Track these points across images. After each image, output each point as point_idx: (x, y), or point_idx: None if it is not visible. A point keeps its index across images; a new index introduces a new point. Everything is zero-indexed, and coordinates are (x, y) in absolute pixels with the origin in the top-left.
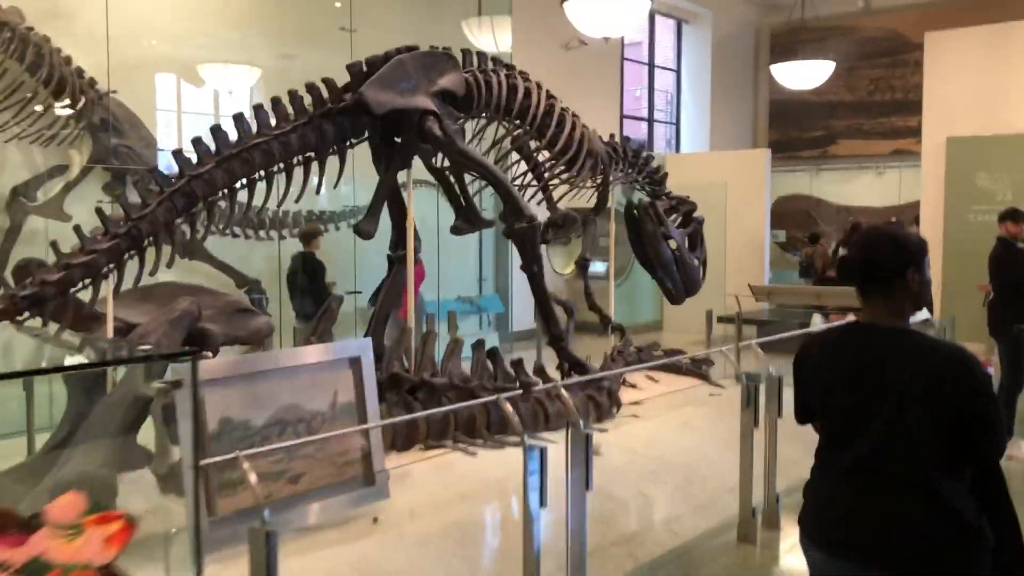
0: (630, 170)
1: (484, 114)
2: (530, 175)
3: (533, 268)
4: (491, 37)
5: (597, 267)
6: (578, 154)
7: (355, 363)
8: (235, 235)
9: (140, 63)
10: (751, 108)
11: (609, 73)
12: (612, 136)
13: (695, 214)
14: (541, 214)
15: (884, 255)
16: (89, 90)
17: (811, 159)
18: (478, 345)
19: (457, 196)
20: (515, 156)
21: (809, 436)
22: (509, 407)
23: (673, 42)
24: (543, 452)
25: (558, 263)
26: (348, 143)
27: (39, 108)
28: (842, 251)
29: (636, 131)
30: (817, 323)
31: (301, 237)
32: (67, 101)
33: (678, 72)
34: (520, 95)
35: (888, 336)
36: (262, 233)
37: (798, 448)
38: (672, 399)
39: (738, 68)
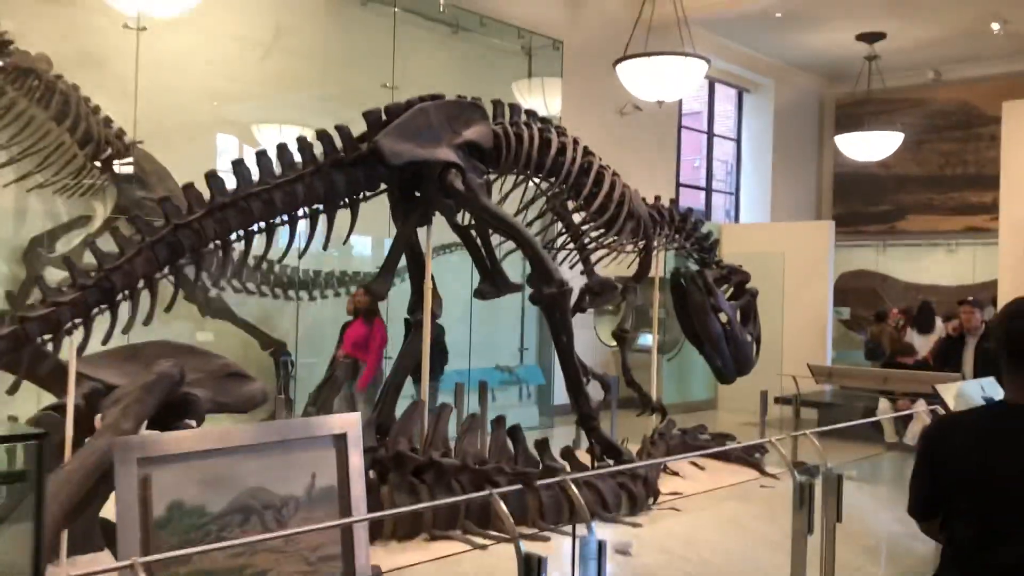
0: (676, 235)
1: (514, 169)
2: (566, 237)
3: (562, 338)
4: (541, 99)
5: (647, 340)
6: (617, 215)
7: (340, 441)
8: (262, 294)
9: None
10: (815, 180)
11: (666, 140)
12: (658, 199)
13: (748, 285)
14: (579, 281)
15: None
16: (116, 141)
17: (878, 234)
18: (498, 422)
19: (482, 257)
20: (551, 216)
21: (870, 542)
22: (501, 505)
23: (734, 111)
24: (541, 564)
25: (605, 334)
26: (361, 196)
27: (64, 157)
28: (911, 332)
29: (694, 201)
30: (885, 409)
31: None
32: (92, 151)
33: (738, 141)
34: (554, 150)
35: None
36: (291, 293)
37: (858, 555)
38: (718, 491)
39: (801, 139)
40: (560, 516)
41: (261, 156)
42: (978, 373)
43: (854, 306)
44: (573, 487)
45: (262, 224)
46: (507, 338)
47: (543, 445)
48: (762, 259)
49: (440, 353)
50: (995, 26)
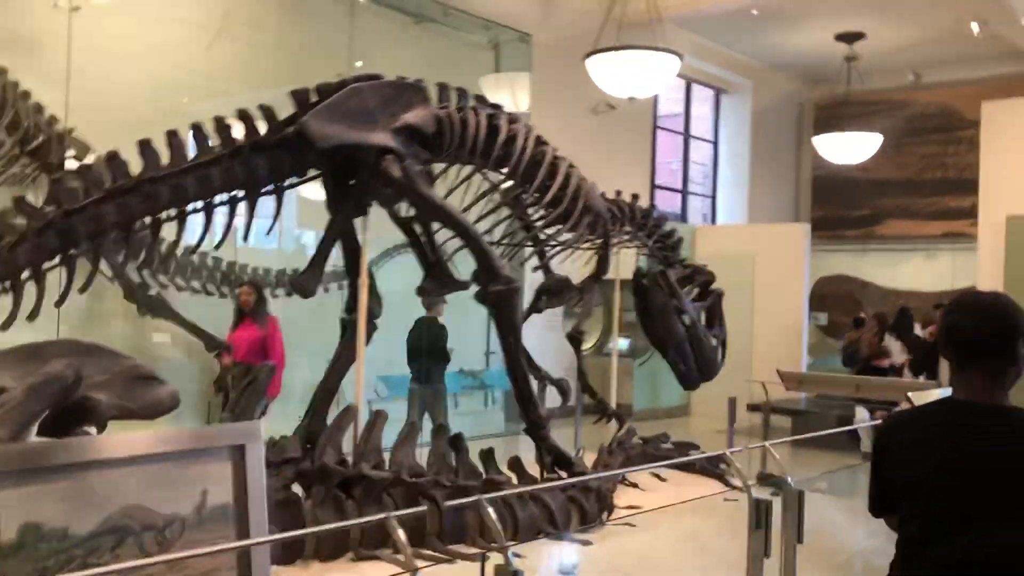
0: (638, 232)
1: (458, 158)
2: (521, 234)
3: (509, 339)
4: (510, 95)
5: (621, 344)
6: (572, 209)
7: (237, 453)
8: (207, 292)
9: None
10: (793, 183)
11: (640, 141)
12: (619, 194)
13: (713, 286)
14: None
15: (995, 324)
16: (48, 129)
17: (856, 239)
18: (439, 431)
19: (426, 252)
20: (505, 211)
21: (840, 558)
22: (399, 534)
23: (711, 113)
24: None
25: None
26: (286, 182)
27: None
28: (888, 338)
29: (671, 204)
30: (863, 418)
31: (425, 303)
32: (21, 139)
33: (716, 143)
34: (502, 138)
35: (993, 415)
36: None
37: (826, 572)
38: (678, 506)
39: (779, 141)
40: (504, 535)
41: (172, 137)
42: None
43: (832, 312)
44: (489, 509)
45: (172, 212)
46: (472, 341)
47: (489, 455)
48: (732, 261)
49: (441, 355)
50: (975, 27)
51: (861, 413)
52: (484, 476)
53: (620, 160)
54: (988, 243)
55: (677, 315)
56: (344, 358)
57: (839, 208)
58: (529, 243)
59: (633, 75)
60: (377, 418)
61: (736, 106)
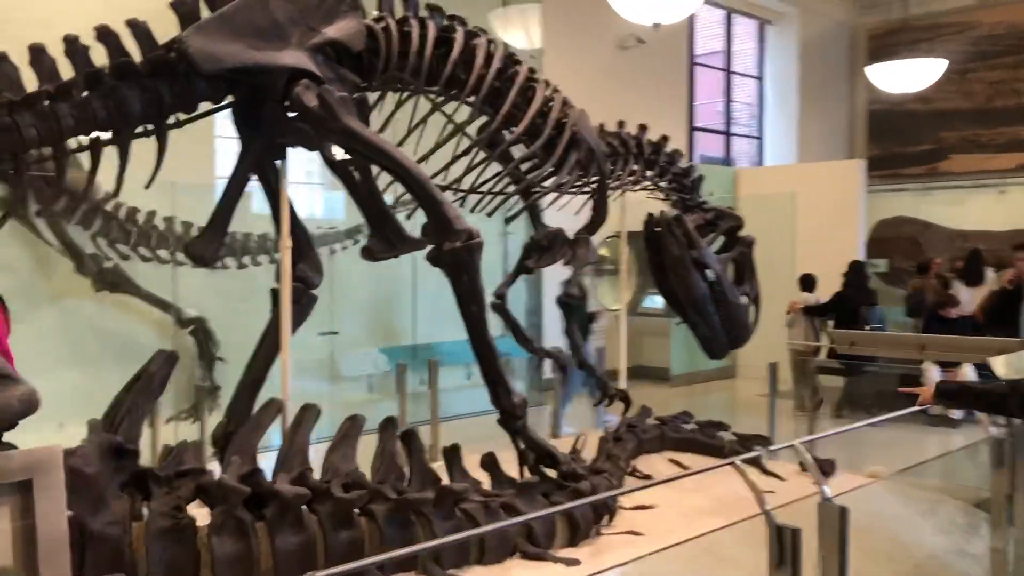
0: (646, 170)
1: (399, 81)
2: (501, 177)
3: (472, 308)
4: (522, 32)
5: (653, 302)
6: (554, 142)
7: (24, 490)
8: (176, 263)
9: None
10: (846, 120)
11: (675, 79)
12: (621, 124)
13: (741, 233)
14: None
15: None
16: None
17: (917, 177)
18: (386, 426)
19: (370, 205)
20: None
21: None
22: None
23: (755, 47)
24: None
25: (607, 297)
26: (170, 118)
27: None
28: (957, 285)
29: (713, 147)
30: (933, 377)
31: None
32: None
33: (761, 80)
34: (455, 54)
35: None
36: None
37: None
38: (697, 504)
39: (830, 74)
40: (466, 559)
41: (3, 62)
42: None
43: (893, 258)
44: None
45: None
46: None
47: (452, 454)
48: (769, 201)
49: None
50: None
51: (931, 372)
52: (440, 484)
53: (652, 101)
54: None
55: (697, 269)
56: (273, 337)
57: (898, 144)
58: (508, 189)
59: None
60: (304, 414)
61: (782, 38)
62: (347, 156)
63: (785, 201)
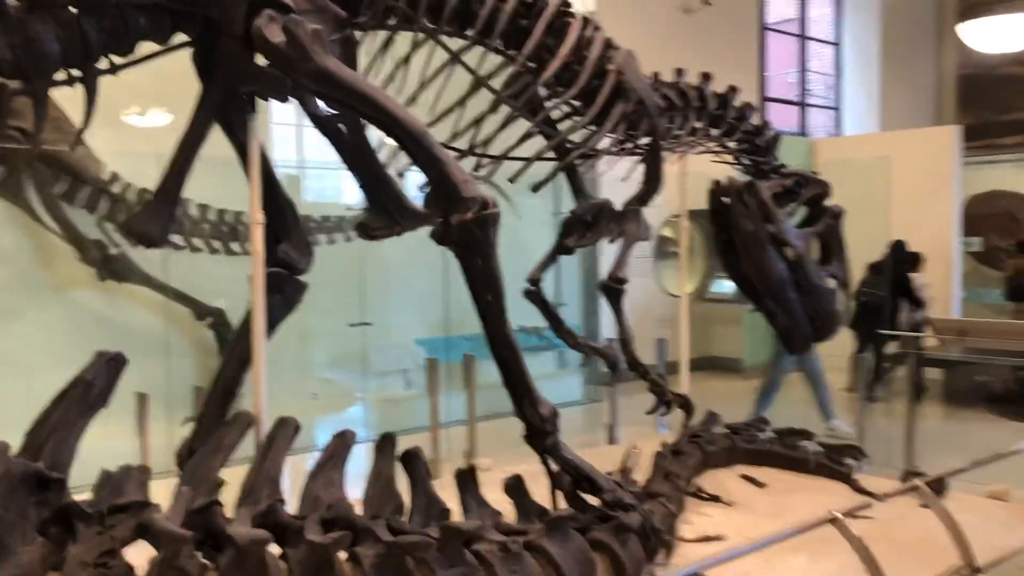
0: (711, 127)
1: (393, 14)
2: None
3: (487, 298)
4: None
5: (722, 287)
6: (595, 90)
7: None
8: (193, 248)
9: None
10: (933, 86)
11: (744, 46)
12: (680, 72)
13: (827, 202)
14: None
15: None
16: None
17: (1016, 147)
18: (383, 445)
19: (362, 170)
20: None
21: None
22: None
23: (832, 12)
24: None
25: (669, 281)
26: (99, 63)
27: None
28: None
29: (788, 119)
30: None
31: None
32: None
33: (838, 47)
34: None
35: None
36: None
37: None
38: (778, 526)
39: (915, 36)
40: None
41: None
42: None
43: (988, 235)
44: None
45: None
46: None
47: (466, 478)
48: (860, 167)
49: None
50: None
51: None
52: (447, 520)
53: (719, 70)
54: None
55: (774, 246)
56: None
57: (992, 112)
58: (537, 151)
59: None
60: (279, 431)
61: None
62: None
63: (877, 167)
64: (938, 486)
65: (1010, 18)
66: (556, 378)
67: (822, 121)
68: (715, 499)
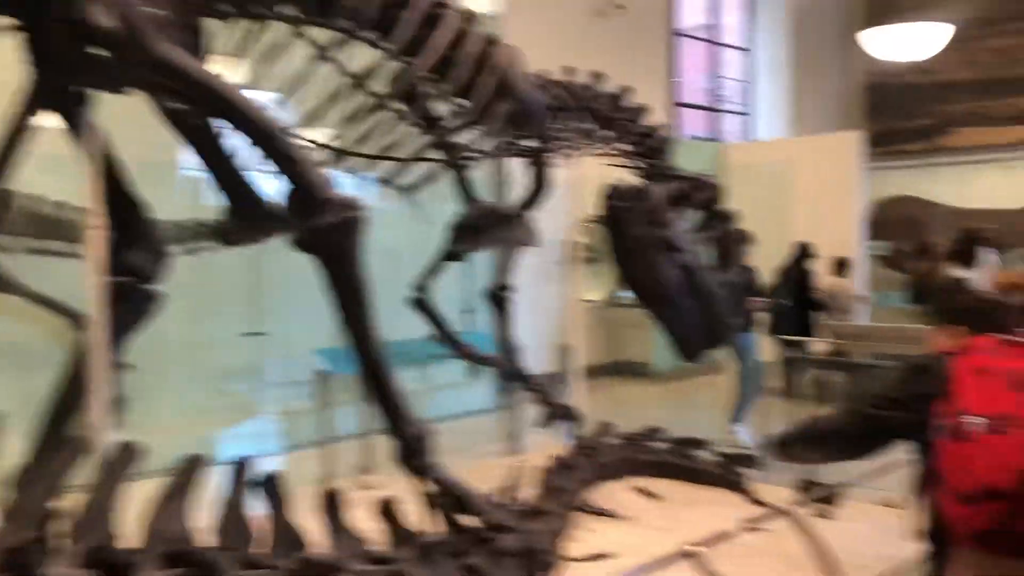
0: (602, 128)
1: (255, 4)
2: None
3: (352, 309)
4: None
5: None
6: (477, 87)
7: None
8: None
9: None
10: (842, 93)
11: (655, 52)
12: (570, 72)
13: (719, 206)
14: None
15: None
16: None
17: (919, 153)
18: (241, 467)
19: (218, 169)
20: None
21: None
22: None
23: (744, 18)
24: None
25: (581, 287)
26: None
27: None
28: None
29: (700, 125)
30: None
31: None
32: None
33: (750, 52)
34: None
35: None
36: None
37: None
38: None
39: (826, 44)
40: None
41: None
42: None
43: (895, 240)
44: None
45: None
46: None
47: (331, 501)
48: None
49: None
50: None
51: None
52: (302, 551)
53: (631, 74)
54: None
55: (667, 252)
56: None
57: (898, 119)
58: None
59: None
60: (118, 458)
61: (773, 6)
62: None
63: (782, 171)
64: (827, 497)
65: (910, 27)
66: (467, 387)
67: (735, 126)
68: (607, 514)
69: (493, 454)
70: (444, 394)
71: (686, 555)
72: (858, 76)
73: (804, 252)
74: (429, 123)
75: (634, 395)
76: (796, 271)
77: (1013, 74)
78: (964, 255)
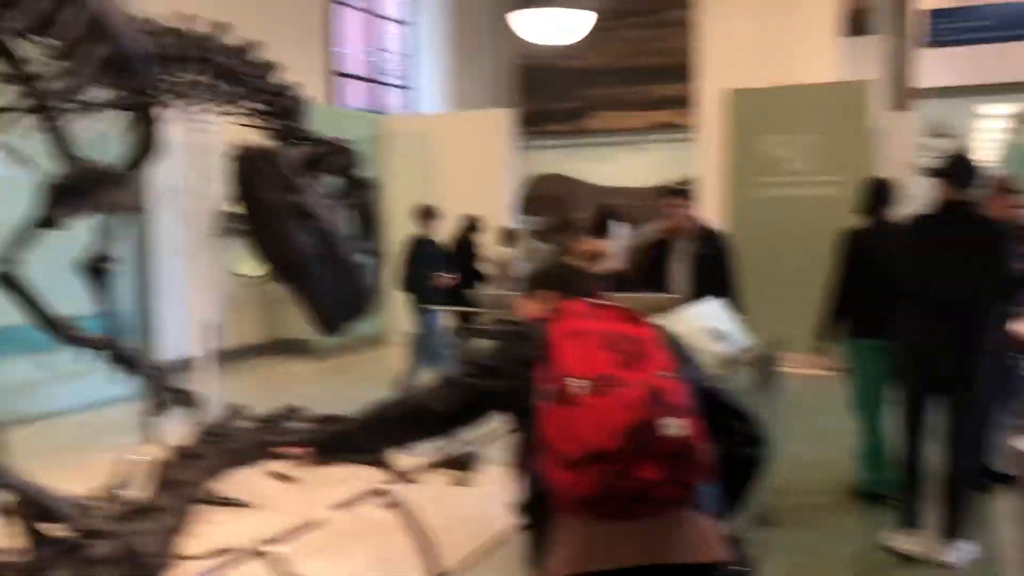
0: (219, 82)
1: None
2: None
3: None
4: None
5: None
6: (64, 24)
7: None
8: None
9: None
10: (498, 72)
11: (313, 17)
12: (189, 20)
13: (357, 172)
14: None
15: None
16: None
17: (565, 134)
18: None
19: None
20: None
21: None
22: None
23: None
24: None
25: (243, 263)
26: None
27: None
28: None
29: (362, 96)
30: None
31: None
32: None
33: (412, 26)
34: None
35: None
36: None
37: None
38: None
39: (482, 23)
40: None
41: None
42: (698, 290)
43: (548, 215)
44: None
45: None
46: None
47: None
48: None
49: None
50: None
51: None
52: None
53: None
54: (709, 125)
55: (299, 218)
56: None
57: (547, 100)
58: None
59: None
60: None
61: None
62: None
63: (434, 144)
64: (465, 464)
65: (555, 12)
66: (99, 375)
67: (399, 100)
68: (235, 504)
69: (126, 449)
70: (73, 384)
71: (259, 554)
72: (512, 57)
73: (472, 224)
74: (8, 63)
75: (295, 373)
76: (463, 242)
77: (640, 63)
78: (598, 228)
